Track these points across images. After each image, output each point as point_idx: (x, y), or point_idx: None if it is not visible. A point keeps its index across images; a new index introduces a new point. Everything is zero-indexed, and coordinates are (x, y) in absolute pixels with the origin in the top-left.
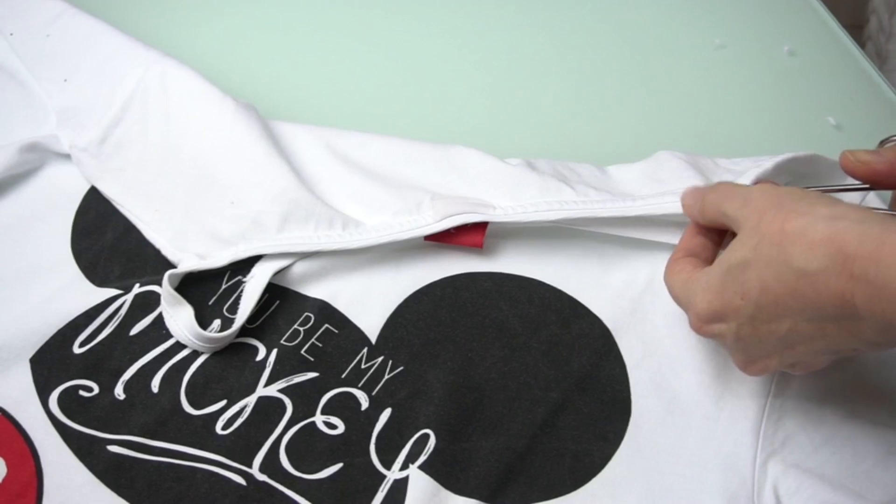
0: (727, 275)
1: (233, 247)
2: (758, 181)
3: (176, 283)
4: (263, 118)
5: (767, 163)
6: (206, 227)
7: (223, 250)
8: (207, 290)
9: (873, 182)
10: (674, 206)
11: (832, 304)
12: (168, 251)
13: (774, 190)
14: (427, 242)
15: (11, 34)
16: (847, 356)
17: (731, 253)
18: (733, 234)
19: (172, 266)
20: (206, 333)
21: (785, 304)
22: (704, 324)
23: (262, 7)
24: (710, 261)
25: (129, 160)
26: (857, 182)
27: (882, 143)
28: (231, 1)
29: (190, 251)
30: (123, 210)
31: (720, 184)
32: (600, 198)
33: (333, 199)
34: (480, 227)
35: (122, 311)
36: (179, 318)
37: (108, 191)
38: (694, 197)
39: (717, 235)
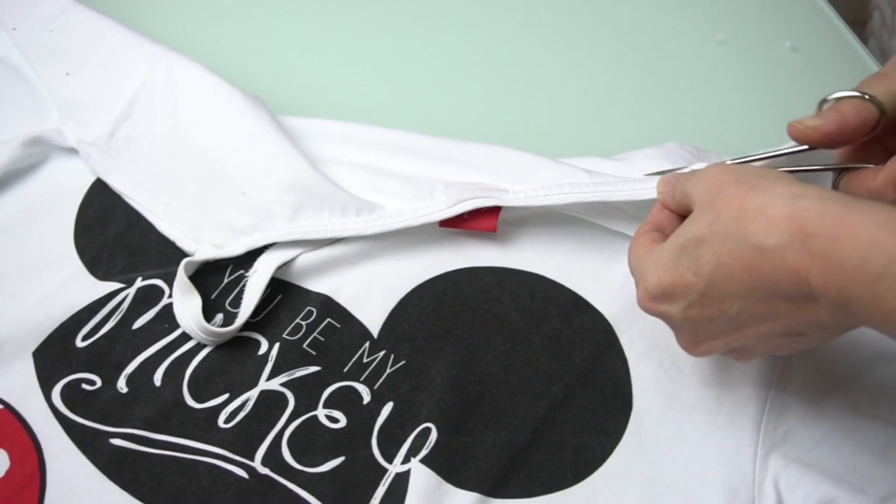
0: (681, 250)
1: (248, 236)
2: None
3: (191, 272)
4: (272, 112)
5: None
6: (220, 219)
7: (238, 240)
8: (210, 284)
9: (825, 145)
10: None
11: (787, 282)
12: (183, 242)
13: (731, 167)
14: (436, 233)
15: (14, 29)
16: (793, 349)
17: (687, 228)
18: None
19: (176, 260)
20: (210, 327)
21: (739, 280)
22: (652, 301)
23: (268, 4)
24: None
25: (138, 154)
26: (797, 145)
27: (821, 104)
28: None
29: (205, 242)
30: (135, 204)
31: (690, 171)
32: (613, 180)
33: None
34: (494, 211)
35: (125, 305)
36: (188, 307)
37: (119, 185)
38: (668, 184)
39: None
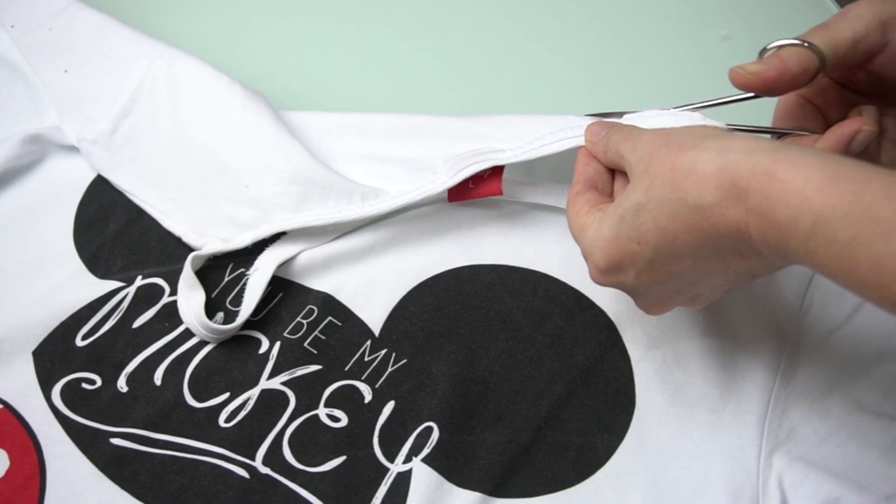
0: (620, 222)
1: (254, 230)
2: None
3: (198, 266)
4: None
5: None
6: (225, 213)
7: (244, 233)
8: (210, 282)
9: (766, 91)
10: (700, 119)
11: (729, 236)
12: (190, 237)
13: (663, 131)
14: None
15: (13, 26)
16: (747, 284)
17: (625, 199)
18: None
19: (176, 258)
20: (212, 324)
21: (684, 241)
22: (602, 274)
23: (266, 0)
24: (608, 190)
25: (140, 150)
26: (742, 93)
27: (762, 52)
28: None
29: (211, 236)
30: (138, 201)
31: (623, 125)
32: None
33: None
34: (496, 175)
35: (125, 304)
36: (192, 302)
37: (122, 182)
38: (598, 134)
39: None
